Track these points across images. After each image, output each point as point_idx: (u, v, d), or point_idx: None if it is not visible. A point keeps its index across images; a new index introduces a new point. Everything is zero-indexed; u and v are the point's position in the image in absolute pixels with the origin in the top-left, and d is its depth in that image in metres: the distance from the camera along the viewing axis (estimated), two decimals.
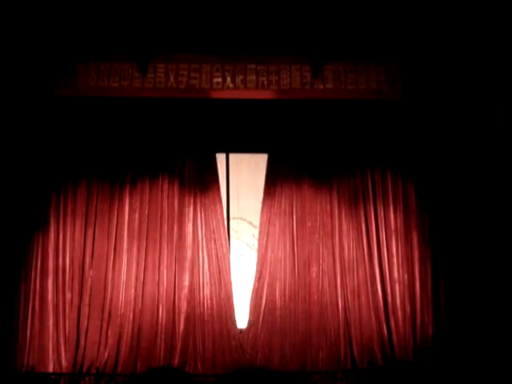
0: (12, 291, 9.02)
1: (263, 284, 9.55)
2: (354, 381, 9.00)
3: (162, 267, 9.43)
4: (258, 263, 9.71)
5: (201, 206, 9.78)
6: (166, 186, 9.75)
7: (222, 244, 9.67)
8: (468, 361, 8.69)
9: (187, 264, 9.51)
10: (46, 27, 8.67)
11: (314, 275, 9.51)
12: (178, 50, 9.16)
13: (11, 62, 8.82)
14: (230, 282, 9.57)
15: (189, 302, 9.34)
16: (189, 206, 9.79)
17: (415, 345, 9.23)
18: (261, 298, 9.49)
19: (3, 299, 8.90)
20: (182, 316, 9.28)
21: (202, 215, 9.75)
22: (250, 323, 9.43)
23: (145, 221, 9.58)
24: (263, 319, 9.38)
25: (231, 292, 9.53)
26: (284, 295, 9.49)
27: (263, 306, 9.43)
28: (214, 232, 9.70)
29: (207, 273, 9.50)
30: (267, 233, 9.79)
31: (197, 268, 9.51)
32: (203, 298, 9.40)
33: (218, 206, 9.83)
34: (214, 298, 9.41)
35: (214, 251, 9.60)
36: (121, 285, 9.29)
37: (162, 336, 9.15)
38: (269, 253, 9.68)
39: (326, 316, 9.40)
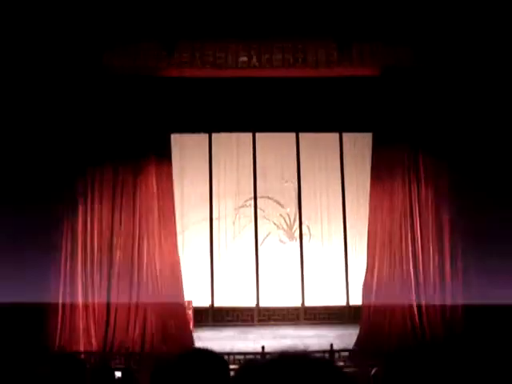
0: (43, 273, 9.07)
1: (374, 260, 9.51)
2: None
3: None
4: (368, 240, 9.65)
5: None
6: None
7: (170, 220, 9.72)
8: (497, 345, 8.58)
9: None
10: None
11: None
12: (203, 30, 9.00)
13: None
14: (178, 262, 9.61)
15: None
16: None
17: (445, 328, 9.11)
18: (372, 275, 9.46)
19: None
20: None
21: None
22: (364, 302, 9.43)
23: (164, 202, 9.61)
24: (376, 295, 9.34)
25: (178, 268, 9.58)
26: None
27: (375, 281, 9.41)
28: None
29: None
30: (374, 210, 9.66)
31: None
32: None
33: (169, 190, 9.78)
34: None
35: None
36: (146, 266, 9.31)
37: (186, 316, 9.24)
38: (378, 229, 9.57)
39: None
